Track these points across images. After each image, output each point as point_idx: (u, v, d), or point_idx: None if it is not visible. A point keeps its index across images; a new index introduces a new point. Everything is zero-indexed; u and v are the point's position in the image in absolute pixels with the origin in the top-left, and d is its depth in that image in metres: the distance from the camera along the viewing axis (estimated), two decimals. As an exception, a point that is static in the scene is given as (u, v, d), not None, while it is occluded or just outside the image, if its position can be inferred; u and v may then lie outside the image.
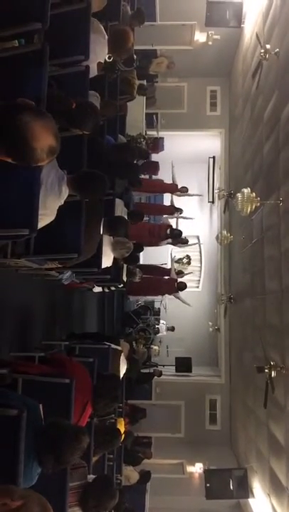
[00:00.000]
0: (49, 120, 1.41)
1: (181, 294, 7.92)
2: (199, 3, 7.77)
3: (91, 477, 2.68)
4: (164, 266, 9.09)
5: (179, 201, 8.48)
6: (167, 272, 7.97)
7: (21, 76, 2.12)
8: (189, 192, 8.32)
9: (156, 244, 7.49)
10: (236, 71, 9.32)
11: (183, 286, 7.74)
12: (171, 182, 8.33)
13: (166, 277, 7.85)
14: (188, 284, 8.57)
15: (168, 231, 7.52)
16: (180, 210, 8.25)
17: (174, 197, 8.35)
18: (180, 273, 8.22)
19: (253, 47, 7.44)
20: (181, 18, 8.71)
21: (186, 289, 8.04)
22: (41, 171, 2.08)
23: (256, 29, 6.96)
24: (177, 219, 8.40)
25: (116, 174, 3.76)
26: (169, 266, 9.55)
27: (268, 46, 5.89)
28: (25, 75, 2.12)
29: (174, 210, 8.24)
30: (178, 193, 8.19)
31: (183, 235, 7.97)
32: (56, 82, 2.62)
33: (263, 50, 5.91)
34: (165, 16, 8.56)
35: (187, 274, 8.14)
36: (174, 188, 8.21)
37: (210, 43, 8.89)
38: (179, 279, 8.03)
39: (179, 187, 8.18)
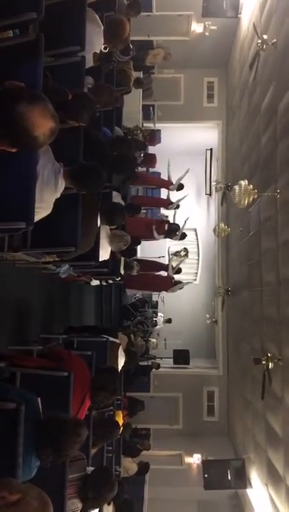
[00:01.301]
0: (45, 102, 1.40)
1: (178, 277, 7.93)
2: (196, -7, 7.70)
3: (90, 469, 2.69)
4: (161, 260, 9.06)
5: (175, 195, 8.45)
6: (165, 267, 7.92)
7: (16, 67, 2.09)
8: (179, 195, 8.26)
9: (153, 238, 7.46)
10: (233, 62, 9.25)
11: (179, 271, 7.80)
12: (167, 179, 8.30)
13: (164, 274, 7.80)
14: (185, 277, 8.60)
15: (166, 226, 7.49)
16: (177, 206, 8.23)
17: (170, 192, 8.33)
18: (178, 271, 8.17)
19: (250, 37, 7.38)
20: (178, 9, 8.62)
21: (184, 282, 8.06)
22: (37, 163, 2.06)
23: (253, 19, 6.90)
24: (175, 213, 8.36)
25: (113, 168, 3.73)
26: (166, 258, 9.55)
27: (265, 37, 5.85)
28: (21, 67, 2.09)
29: (170, 204, 8.23)
30: (171, 186, 8.19)
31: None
32: (52, 73, 2.58)
33: (260, 41, 5.86)
34: (161, 6, 8.47)
35: (186, 281, 8.03)
36: (168, 184, 8.21)
37: (207, 33, 8.82)
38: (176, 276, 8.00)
39: (174, 183, 8.17)
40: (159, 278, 7.70)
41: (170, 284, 7.64)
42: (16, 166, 1.92)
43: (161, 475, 8.15)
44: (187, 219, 8.14)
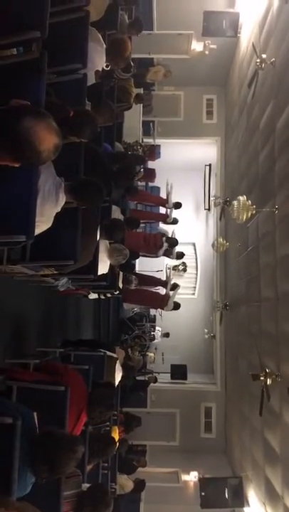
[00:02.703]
0: (49, 119, 1.43)
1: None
2: (196, 13, 7.86)
3: (85, 486, 2.65)
4: (158, 276, 9.05)
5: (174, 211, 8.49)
6: (163, 282, 7.89)
7: (19, 84, 2.13)
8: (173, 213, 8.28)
9: (151, 252, 7.46)
10: (232, 80, 9.40)
11: (176, 305, 7.59)
12: (166, 198, 8.36)
13: (162, 292, 7.77)
14: (183, 291, 8.52)
15: (163, 239, 7.51)
16: (174, 221, 8.28)
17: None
18: (174, 287, 8.14)
19: (249, 56, 7.52)
20: (178, 28, 8.79)
21: (182, 296, 8.01)
22: (39, 177, 2.09)
23: (252, 39, 7.04)
24: (173, 230, 8.37)
25: (113, 182, 3.77)
26: (164, 273, 9.55)
27: (264, 56, 5.96)
28: (24, 84, 2.13)
29: (168, 218, 8.28)
30: (167, 204, 8.23)
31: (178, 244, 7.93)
32: (54, 90, 2.63)
33: (259, 60, 5.97)
34: (162, 25, 8.64)
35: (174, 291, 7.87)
36: (164, 203, 8.28)
37: (206, 52, 8.98)
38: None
39: (172, 202, 8.20)
40: (157, 296, 7.63)
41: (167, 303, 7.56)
42: (18, 180, 1.95)
43: (158, 493, 8.02)
44: (173, 231, 8.14)
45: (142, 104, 8.16)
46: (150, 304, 7.97)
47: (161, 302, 7.45)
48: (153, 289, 8.01)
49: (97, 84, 3.36)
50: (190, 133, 10.50)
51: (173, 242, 7.74)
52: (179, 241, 7.90)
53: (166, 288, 7.64)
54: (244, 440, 7.47)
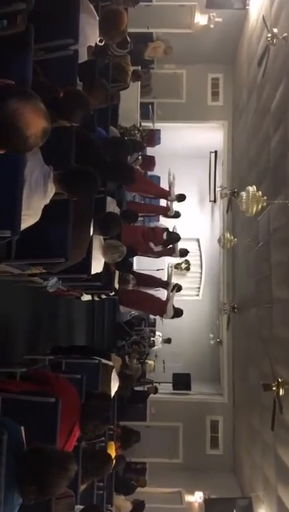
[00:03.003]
0: (37, 101, 1.43)
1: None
2: (200, -18, 7.86)
3: (79, 508, 2.67)
4: (159, 275, 9.04)
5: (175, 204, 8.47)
6: (164, 283, 7.88)
7: (3, 62, 2.13)
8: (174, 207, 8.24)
9: (151, 250, 7.45)
10: (240, 57, 9.39)
11: (179, 312, 7.50)
12: (167, 189, 8.31)
13: (163, 298, 7.73)
14: (186, 292, 8.51)
15: (164, 235, 7.49)
16: (177, 214, 8.25)
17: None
18: (178, 289, 8.12)
19: (259, 31, 7.51)
20: (180, -1, 8.79)
21: (184, 298, 8.02)
22: (25, 166, 2.08)
23: (263, 11, 7.03)
24: (174, 225, 8.34)
25: (108, 174, 3.77)
26: (165, 272, 9.54)
27: (275, 30, 5.95)
28: (7, 61, 2.13)
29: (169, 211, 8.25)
30: (169, 197, 8.18)
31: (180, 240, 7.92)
32: (42, 69, 2.62)
33: (269, 35, 5.96)
34: (162, -5, 8.64)
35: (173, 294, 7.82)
36: (166, 195, 8.22)
37: (211, 26, 8.96)
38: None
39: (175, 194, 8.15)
40: (158, 301, 7.58)
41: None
42: (1, 169, 1.94)
43: (159, 515, 8.05)
44: (174, 225, 8.11)
45: (139, 84, 8.14)
46: (149, 309, 7.93)
47: (162, 308, 7.41)
48: (153, 291, 8.00)
49: (89, 62, 3.35)
50: (193, 116, 10.50)
51: (174, 237, 7.75)
52: (182, 237, 7.91)
53: (167, 289, 7.62)
54: (254, 457, 7.50)
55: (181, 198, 8.30)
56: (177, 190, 8.26)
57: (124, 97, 6.17)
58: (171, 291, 7.47)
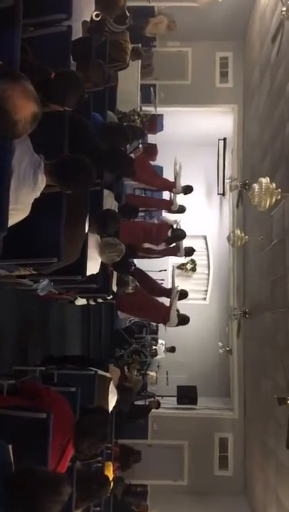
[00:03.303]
0: (26, 82, 1.43)
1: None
2: None
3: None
4: (162, 276, 9.04)
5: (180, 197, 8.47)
6: (167, 291, 7.83)
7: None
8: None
9: (153, 250, 7.44)
10: (252, 34, 9.38)
11: (185, 319, 7.48)
12: (173, 180, 8.29)
13: (167, 303, 7.70)
14: (192, 296, 8.47)
15: (169, 232, 7.49)
16: (182, 209, 8.25)
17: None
18: (184, 296, 8.08)
19: (272, 4, 7.51)
20: None
21: (190, 302, 8.01)
22: (12, 155, 2.08)
23: (277, -18, 7.02)
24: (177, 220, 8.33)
25: (104, 164, 3.77)
26: (168, 273, 9.55)
27: (291, 3, 5.95)
28: (-7, 38, 2.13)
29: (173, 205, 8.26)
30: (174, 189, 8.15)
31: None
32: (31, 47, 2.62)
33: (285, 8, 5.95)
34: None
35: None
36: (171, 187, 8.20)
37: (220, -2, 8.96)
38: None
39: (181, 186, 8.12)
40: (162, 307, 7.56)
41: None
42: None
43: None
44: (178, 221, 8.08)
45: (140, 63, 8.13)
46: (152, 316, 7.91)
47: (166, 315, 7.38)
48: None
49: (84, 39, 3.35)
50: (200, 99, 10.49)
51: (179, 235, 7.74)
52: (187, 234, 7.90)
53: (170, 296, 7.56)
54: (268, 478, 7.50)
55: (187, 189, 8.29)
56: (182, 182, 8.26)
57: (122, 79, 6.15)
58: (174, 297, 7.43)
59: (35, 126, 1.49)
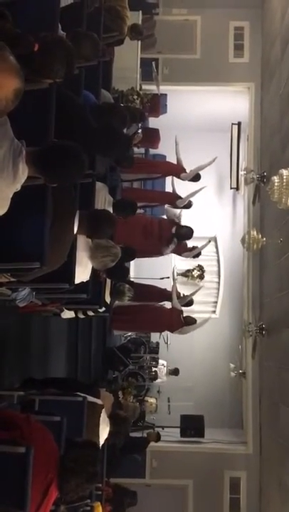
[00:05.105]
0: (6, 53, 1.42)
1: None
2: None
3: None
4: (164, 284, 9.05)
5: (182, 186, 8.47)
6: (168, 294, 7.89)
7: None
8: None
9: (155, 251, 7.45)
10: (272, 0, 9.42)
11: (191, 321, 7.65)
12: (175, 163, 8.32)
13: (168, 306, 7.76)
14: (199, 308, 8.43)
15: (173, 230, 7.49)
16: (189, 204, 8.26)
17: (175, 181, 8.34)
18: (189, 304, 8.12)
19: None
20: None
21: (197, 316, 8.04)
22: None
23: None
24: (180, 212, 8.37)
25: (98, 148, 3.76)
26: (171, 281, 9.55)
27: None
28: None
29: (177, 199, 8.27)
30: (182, 174, 8.18)
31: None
32: (12, 13, 2.62)
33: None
34: None
35: (204, 317, 7.91)
36: (179, 170, 8.21)
37: None
38: (186, 312, 7.93)
39: (187, 170, 8.15)
40: (162, 312, 7.60)
41: (178, 322, 7.56)
42: None
43: None
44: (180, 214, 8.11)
45: (140, 40, 8.16)
46: (154, 326, 7.96)
47: (170, 320, 7.44)
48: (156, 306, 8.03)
49: (75, 5, 3.36)
50: (210, 77, 10.52)
51: (185, 233, 7.75)
52: (194, 234, 7.92)
53: (172, 299, 7.66)
54: (287, 526, 7.49)
55: (195, 177, 8.31)
56: (187, 164, 8.26)
57: (120, 52, 6.19)
58: (186, 305, 7.60)
59: (17, 103, 1.49)
